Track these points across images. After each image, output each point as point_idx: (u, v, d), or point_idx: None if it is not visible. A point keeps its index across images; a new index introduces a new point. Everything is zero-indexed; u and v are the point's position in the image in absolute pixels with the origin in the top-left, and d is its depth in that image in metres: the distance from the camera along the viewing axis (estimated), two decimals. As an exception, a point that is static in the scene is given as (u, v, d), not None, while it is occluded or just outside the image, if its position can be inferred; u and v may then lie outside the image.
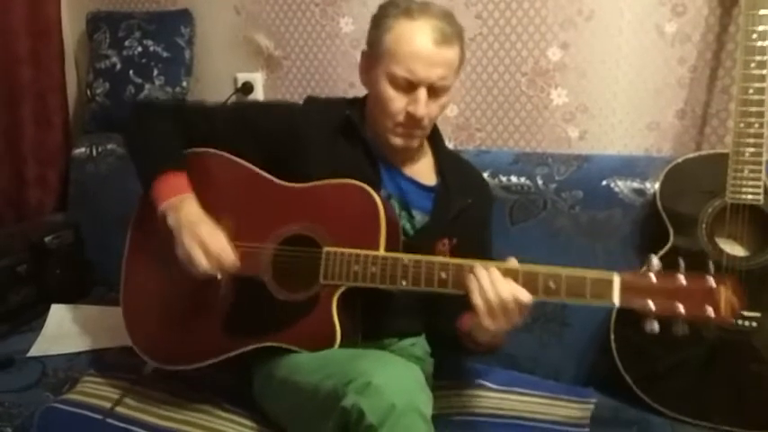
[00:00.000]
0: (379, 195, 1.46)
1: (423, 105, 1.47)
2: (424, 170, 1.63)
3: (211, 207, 1.48)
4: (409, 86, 1.47)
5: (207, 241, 1.39)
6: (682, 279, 1.25)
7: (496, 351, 1.54)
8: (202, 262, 1.39)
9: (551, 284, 1.29)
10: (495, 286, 1.28)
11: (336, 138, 1.55)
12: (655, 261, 1.27)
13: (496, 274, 1.29)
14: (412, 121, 1.50)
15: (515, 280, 1.30)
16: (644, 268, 1.28)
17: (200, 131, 1.58)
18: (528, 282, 1.30)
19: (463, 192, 1.59)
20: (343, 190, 1.47)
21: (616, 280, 1.27)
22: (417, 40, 1.45)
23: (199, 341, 1.54)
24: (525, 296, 1.27)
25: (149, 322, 1.60)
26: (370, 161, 1.55)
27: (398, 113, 1.50)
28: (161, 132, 1.55)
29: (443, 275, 1.35)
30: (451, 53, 1.48)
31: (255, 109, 1.70)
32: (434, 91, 1.49)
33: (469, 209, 1.58)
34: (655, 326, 1.25)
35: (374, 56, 1.52)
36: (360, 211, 1.45)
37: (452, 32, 1.48)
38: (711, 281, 1.24)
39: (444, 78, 1.48)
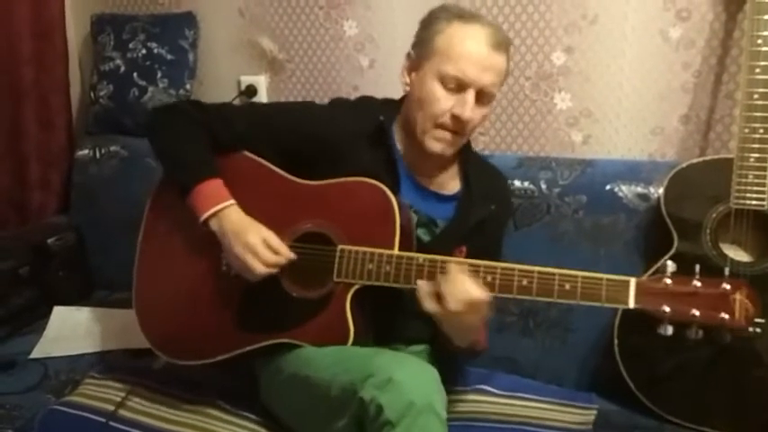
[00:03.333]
0: (395, 195, 1.46)
1: (470, 107, 1.46)
2: (448, 179, 1.61)
3: None
4: (458, 87, 1.46)
5: (258, 250, 1.42)
6: (697, 283, 1.25)
7: (478, 352, 1.55)
8: (257, 268, 1.42)
9: (567, 287, 1.31)
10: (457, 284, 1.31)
11: (362, 145, 1.53)
12: (670, 264, 1.27)
13: (455, 270, 1.33)
14: (457, 123, 1.47)
15: (530, 281, 1.32)
16: (658, 272, 1.28)
17: (225, 137, 1.57)
18: (543, 283, 1.31)
19: (486, 199, 1.58)
20: (359, 188, 1.47)
21: (632, 283, 1.28)
22: (472, 41, 1.45)
23: (212, 336, 1.54)
24: (481, 294, 1.31)
25: (163, 316, 1.60)
26: (391, 172, 1.52)
27: (443, 114, 1.47)
28: (190, 139, 1.55)
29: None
30: (502, 60, 1.48)
31: (280, 113, 1.66)
32: (481, 96, 1.47)
33: (491, 216, 1.57)
34: (669, 329, 1.26)
35: (423, 55, 1.50)
36: (375, 209, 1.45)
37: (504, 40, 1.49)
38: (726, 285, 1.24)
39: (493, 85, 1.47)
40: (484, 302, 1.32)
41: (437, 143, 1.51)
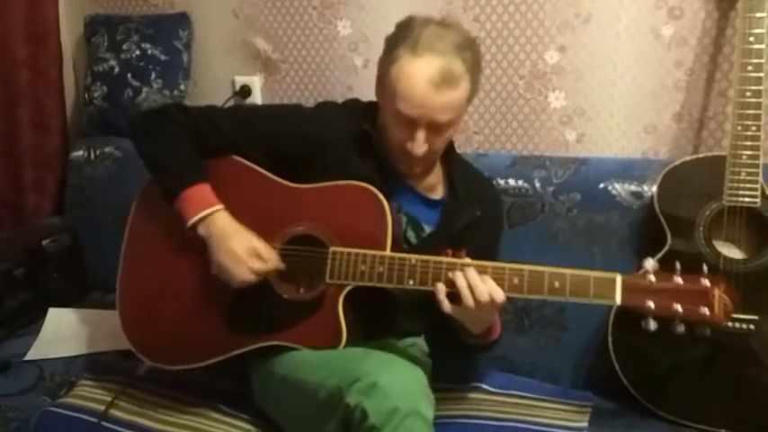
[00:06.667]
0: (388, 199, 1.46)
1: (420, 144, 1.44)
2: (433, 184, 1.61)
3: None
4: (409, 122, 1.43)
5: (243, 258, 1.43)
6: (679, 280, 1.30)
7: (492, 343, 1.56)
8: (240, 275, 1.43)
9: (556, 284, 1.33)
10: (477, 287, 1.34)
11: (350, 149, 1.53)
12: (652, 262, 1.31)
13: (473, 274, 1.35)
14: (410, 155, 1.46)
15: (521, 280, 1.34)
16: (642, 269, 1.31)
17: (212, 140, 1.56)
18: (533, 281, 1.33)
19: (472, 204, 1.58)
20: (350, 191, 1.47)
21: (618, 280, 1.32)
22: (415, 81, 1.39)
23: (201, 339, 1.54)
24: (500, 296, 1.34)
25: (150, 322, 1.59)
26: (382, 176, 1.52)
27: (398, 145, 1.47)
28: (176, 144, 1.54)
29: (450, 275, 1.37)
30: (454, 95, 1.41)
31: (267, 114, 1.65)
32: (436, 128, 1.44)
33: (478, 221, 1.57)
34: (652, 324, 1.30)
35: (383, 77, 1.48)
36: (366, 212, 1.45)
37: (459, 71, 1.40)
38: (706, 282, 1.29)
39: (444, 118, 1.43)
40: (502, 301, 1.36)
41: (404, 165, 1.52)
